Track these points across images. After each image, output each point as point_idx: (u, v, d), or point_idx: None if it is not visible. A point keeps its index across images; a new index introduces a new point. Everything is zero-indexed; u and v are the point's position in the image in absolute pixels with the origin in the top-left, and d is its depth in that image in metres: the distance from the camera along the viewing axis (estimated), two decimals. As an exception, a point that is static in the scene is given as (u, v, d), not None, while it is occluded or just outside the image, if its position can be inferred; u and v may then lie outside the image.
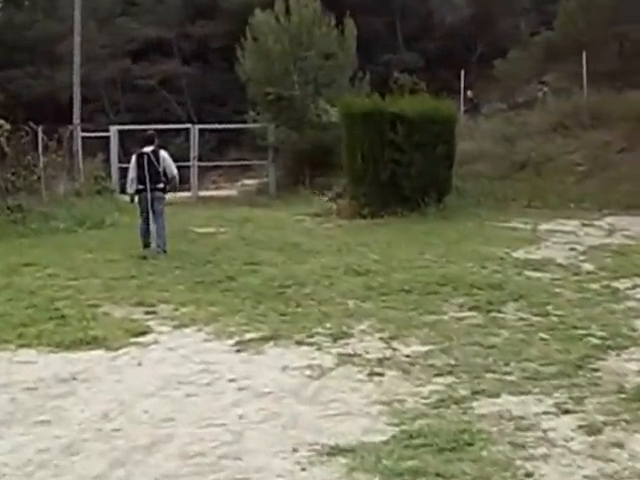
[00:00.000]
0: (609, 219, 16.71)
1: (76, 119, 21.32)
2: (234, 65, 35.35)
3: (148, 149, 12.70)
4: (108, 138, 24.11)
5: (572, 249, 12.63)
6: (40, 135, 18.48)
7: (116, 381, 6.20)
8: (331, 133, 23.04)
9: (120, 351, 7.06)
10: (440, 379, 5.92)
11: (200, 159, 32.49)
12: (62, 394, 5.93)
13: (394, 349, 6.83)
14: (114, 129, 23.36)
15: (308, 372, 6.21)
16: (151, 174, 12.54)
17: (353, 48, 23.78)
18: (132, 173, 12.76)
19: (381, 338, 7.25)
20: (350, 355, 6.65)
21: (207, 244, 14.01)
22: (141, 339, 7.49)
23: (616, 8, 28.71)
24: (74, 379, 6.25)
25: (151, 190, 12.60)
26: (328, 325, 7.82)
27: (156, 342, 7.39)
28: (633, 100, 21.29)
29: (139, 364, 6.64)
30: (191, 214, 18.47)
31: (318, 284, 10.09)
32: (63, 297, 9.45)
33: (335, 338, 7.28)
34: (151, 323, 8.16)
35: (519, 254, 12.32)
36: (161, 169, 12.62)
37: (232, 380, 6.11)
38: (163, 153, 12.89)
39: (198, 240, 14.63)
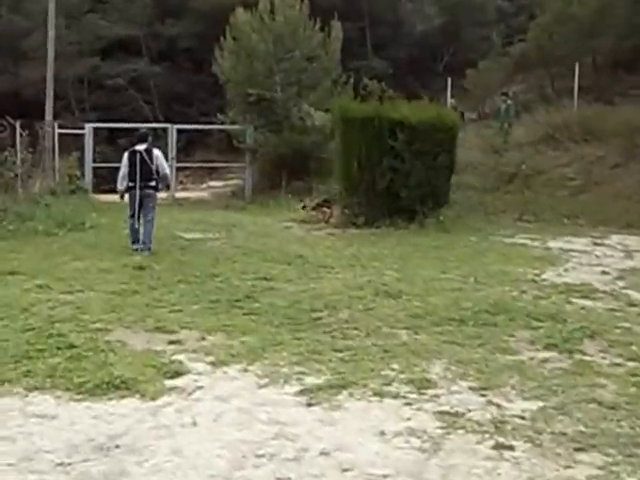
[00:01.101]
0: (615, 238, 15.98)
1: (48, 115, 19.86)
2: (202, 66, 34.33)
3: (141, 147, 12.54)
4: (81, 136, 22.67)
5: (604, 272, 11.77)
6: (18, 130, 17.01)
7: (173, 452, 4.91)
8: (312, 137, 22.09)
9: (159, 400, 5.85)
10: (585, 456, 4.84)
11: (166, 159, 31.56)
12: (108, 474, 4.64)
13: (497, 405, 5.77)
14: (89, 127, 21.94)
15: (416, 442, 5.07)
16: (143, 172, 12.37)
17: (338, 51, 22.77)
18: (123, 170, 12.55)
19: (471, 388, 6.19)
20: (452, 414, 5.57)
21: (203, 253, 12.88)
22: (179, 382, 6.30)
23: (593, 21, 28.29)
24: (117, 447, 4.99)
25: (142, 188, 12.42)
26: (396, 366, 6.76)
27: (199, 387, 6.20)
28: (626, 115, 20.68)
29: (194, 423, 5.41)
30: (171, 217, 17.23)
31: (352, 308, 9.04)
32: (64, 318, 8.21)
33: (418, 387, 6.19)
34: (181, 358, 6.98)
35: (549, 276, 11.45)
36: (154, 167, 12.47)
37: (324, 453, 4.90)
38: (156, 151, 12.74)
39: (190, 248, 13.48)
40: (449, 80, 26.18)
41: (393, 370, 6.73)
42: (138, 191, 12.41)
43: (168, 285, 10.07)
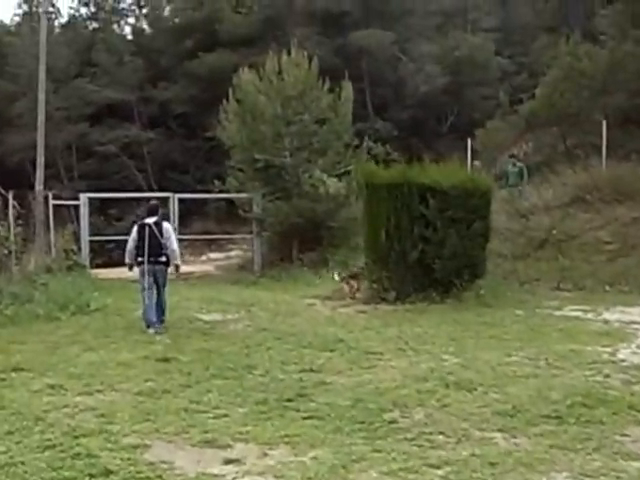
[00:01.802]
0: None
1: (39, 184, 18.46)
2: (197, 131, 33.22)
3: (151, 220, 12.06)
4: (72, 206, 21.30)
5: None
6: (11, 202, 15.58)
7: None
8: (325, 205, 20.84)
9: None
10: None
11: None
12: None
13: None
14: (84, 197, 20.54)
15: None
16: (151, 246, 11.87)
17: (349, 113, 21.64)
18: (131, 244, 12.12)
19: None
20: None
21: (228, 338, 11.45)
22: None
23: (604, 78, 27.49)
24: None
25: (152, 263, 11.92)
26: None
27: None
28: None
29: None
30: (180, 294, 15.80)
31: (425, 405, 7.62)
32: (88, 430, 6.73)
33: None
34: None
35: (626, 355, 10.13)
36: (163, 242, 11.95)
37: None
38: (166, 225, 12.30)
39: (212, 332, 12.05)
40: (469, 142, 25.01)
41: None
42: (147, 266, 11.91)
43: (201, 381, 8.61)
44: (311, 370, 9.16)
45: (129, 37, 35.55)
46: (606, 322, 12.93)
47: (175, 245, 12.18)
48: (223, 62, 28.87)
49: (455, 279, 15.19)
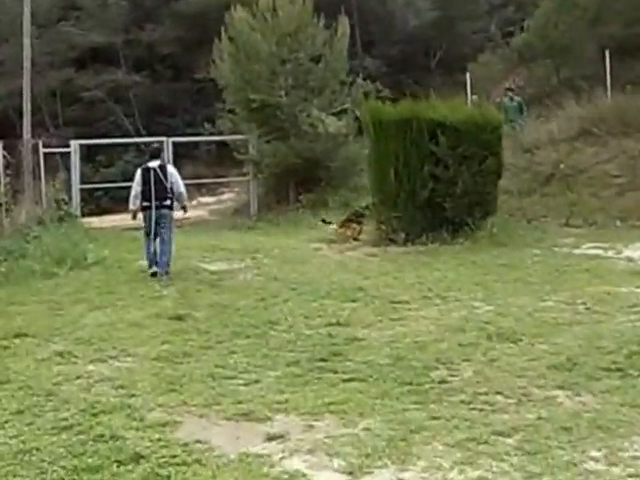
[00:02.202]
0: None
1: (27, 133, 17.53)
2: (185, 73, 32.05)
3: (154, 164, 11.78)
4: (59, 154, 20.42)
5: None
6: (0, 152, 14.70)
7: None
8: (322, 145, 20.05)
9: None
10: None
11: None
12: None
13: None
14: (75, 144, 19.62)
15: None
16: (157, 190, 11.57)
17: (345, 50, 20.71)
18: (136, 189, 11.80)
19: None
20: None
21: (240, 290, 10.79)
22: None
23: (599, 8, 26.61)
24: None
25: (157, 207, 11.60)
26: (596, 453, 4.92)
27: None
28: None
29: None
30: (178, 243, 14.89)
31: (472, 360, 7.02)
32: (107, 405, 6.05)
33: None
34: (298, 464, 4.90)
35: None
36: (169, 185, 11.66)
37: None
38: (171, 168, 12.06)
39: (222, 284, 11.38)
40: (468, 76, 24.12)
41: (597, 461, 4.74)
42: (154, 211, 11.57)
43: (223, 341, 7.97)
44: (338, 324, 8.53)
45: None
46: (630, 260, 12.40)
47: (182, 187, 11.95)
48: (210, 1, 27.68)
49: (467, 218, 14.55)
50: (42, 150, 19.33)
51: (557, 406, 5.83)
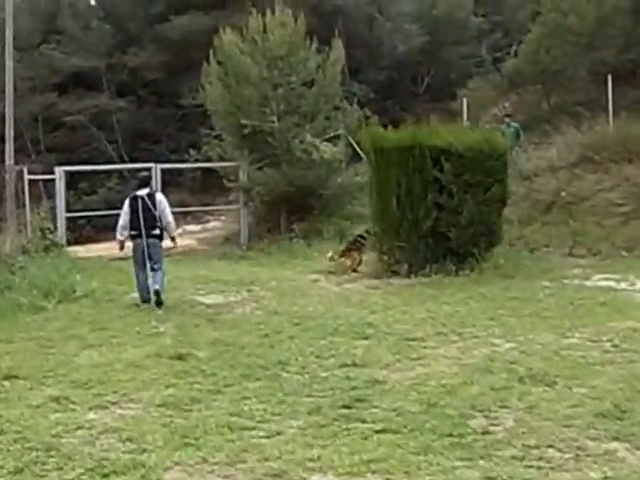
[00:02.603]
0: None
1: (9, 159, 16.84)
2: (169, 98, 31.37)
3: (143, 192, 11.62)
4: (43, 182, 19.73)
5: None
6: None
7: None
8: (316, 172, 19.51)
9: None
10: None
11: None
12: None
13: None
14: (60, 170, 18.94)
15: None
16: (146, 219, 11.35)
17: (338, 74, 20.23)
18: (124, 218, 11.56)
19: None
20: None
21: (241, 326, 10.19)
22: None
23: (593, 33, 26.39)
24: None
25: (147, 237, 11.35)
26: None
27: None
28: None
29: None
30: (169, 273, 14.31)
31: (509, 407, 6.47)
32: (117, 464, 5.36)
33: None
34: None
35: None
36: (157, 214, 11.44)
37: None
38: (159, 196, 11.77)
39: (220, 319, 10.78)
40: (464, 100, 23.73)
41: None
42: (143, 240, 11.35)
43: (232, 384, 7.33)
44: (354, 364, 7.92)
45: (94, 1, 33.51)
46: (649, 293, 11.88)
47: (170, 217, 11.66)
48: (196, 25, 27.20)
49: (472, 248, 14.02)
50: (27, 177, 18.63)
51: (620, 462, 5.26)
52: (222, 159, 21.32)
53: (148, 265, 11.45)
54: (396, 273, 14.12)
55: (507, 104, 28.56)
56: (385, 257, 14.30)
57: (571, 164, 18.59)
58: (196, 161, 23.17)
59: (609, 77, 19.87)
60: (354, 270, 15.11)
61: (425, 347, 8.71)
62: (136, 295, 12.13)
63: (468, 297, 11.91)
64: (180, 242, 21.39)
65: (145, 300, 11.45)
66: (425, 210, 13.93)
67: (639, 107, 22.03)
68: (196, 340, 9.27)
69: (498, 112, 27.75)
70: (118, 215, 11.92)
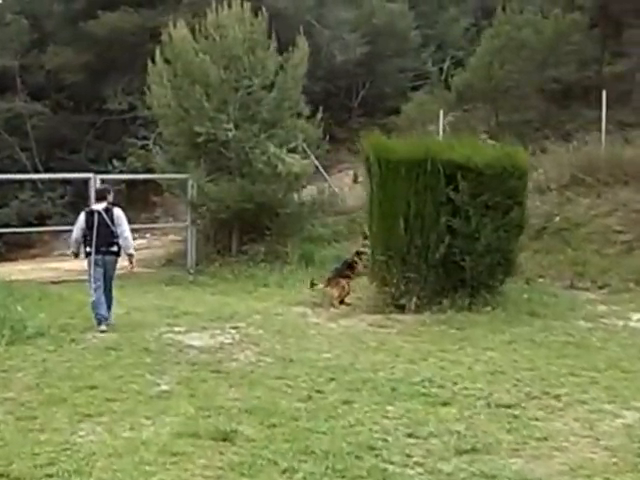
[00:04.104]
0: None
1: None
2: (91, 104, 28.46)
3: (99, 206, 10.94)
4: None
5: None
6: None
7: None
8: (277, 187, 17.36)
9: None
10: None
11: (50, 217, 25.51)
12: None
13: None
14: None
15: None
16: (101, 235, 10.67)
17: (301, 78, 18.12)
18: (78, 232, 10.91)
19: None
20: None
21: (261, 382, 8.03)
22: None
23: (549, 49, 25.32)
24: None
25: (103, 253, 10.72)
26: None
27: None
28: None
29: None
30: (120, 303, 12.03)
31: None
32: None
33: None
34: None
35: None
36: (115, 229, 10.76)
37: None
38: (117, 211, 10.98)
39: (224, 369, 8.59)
40: (441, 114, 21.96)
41: None
42: (100, 256, 10.70)
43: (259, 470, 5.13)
44: (473, 450, 5.85)
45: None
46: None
47: (128, 233, 10.92)
48: (125, 23, 24.61)
49: (487, 280, 12.16)
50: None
51: None
52: (149, 171, 18.93)
53: (103, 284, 10.77)
54: (399, 307, 12.11)
55: (451, 119, 27.21)
56: (387, 289, 12.23)
57: (562, 186, 17.01)
58: (120, 172, 20.65)
59: (603, 94, 18.34)
60: (342, 302, 13.03)
61: (534, 419, 6.74)
62: (100, 335, 10.01)
63: (510, 341, 10.11)
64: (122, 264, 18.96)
65: (100, 321, 10.54)
66: (437, 235, 11.96)
67: (594, 127, 20.89)
68: (220, 405, 7.03)
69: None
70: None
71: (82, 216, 10.90)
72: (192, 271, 17.52)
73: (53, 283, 15.57)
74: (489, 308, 11.86)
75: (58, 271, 17.38)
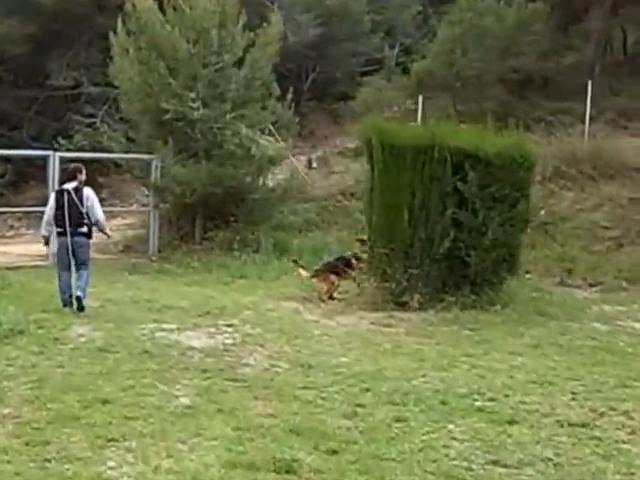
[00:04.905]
0: None
1: None
2: (34, 77, 26.67)
3: (69, 185, 10.58)
4: None
5: None
6: None
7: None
8: (247, 171, 16.36)
9: None
10: None
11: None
12: None
13: None
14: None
15: None
16: (72, 215, 10.36)
17: (274, 56, 17.07)
18: (48, 213, 10.66)
19: None
20: None
21: (289, 393, 7.11)
22: None
23: (511, 38, 24.87)
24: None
25: (72, 234, 10.38)
26: None
27: None
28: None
29: None
30: (92, 294, 10.99)
31: None
32: None
33: None
34: None
35: None
36: (84, 210, 10.41)
37: None
38: (87, 191, 10.61)
39: (239, 376, 7.64)
40: (420, 99, 21.15)
41: None
42: (69, 238, 10.34)
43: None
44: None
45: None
46: None
47: (99, 213, 10.58)
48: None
49: (491, 277, 11.44)
50: None
51: None
52: (95, 150, 17.73)
53: (73, 265, 10.46)
54: (399, 304, 11.29)
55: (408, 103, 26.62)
56: (387, 284, 11.38)
57: (545, 179, 16.40)
58: (67, 151, 19.28)
59: (589, 83, 17.77)
60: (331, 297, 12.18)
61: (620, 441, 6.00)
62: (83, 332, 9.01)
63: (535, 345, 9.46)
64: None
65: (66, 304, 10.36)
66: (442, 228, 11.16)
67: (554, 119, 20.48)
68: (259, 424, 6.11)
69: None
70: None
71: (52, 196, 10.69)
72: (154, 258, 16.38)
73: (8, 269, 14.25)
74: (498, 307, 11.15)
75: (10, 256, 16.03)
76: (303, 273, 12.60)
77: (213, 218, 17.17)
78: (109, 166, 22.69)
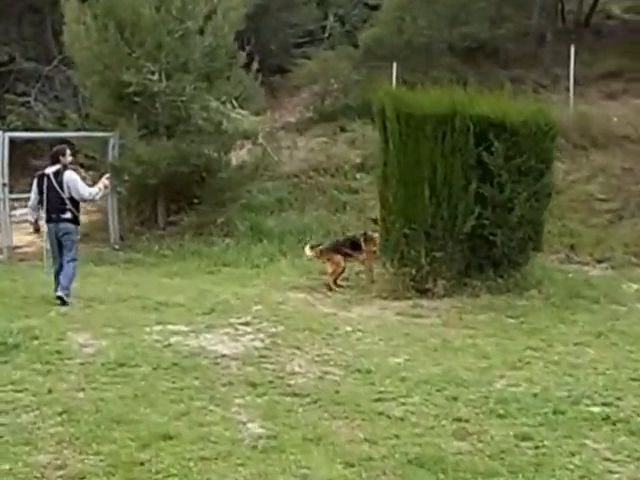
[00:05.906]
0: None
1: None
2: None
3: (50, 170, 9.82)
4: None
5: None
6: None
7: None
8: (214, 147, 15.04)
9: None
10: None
11: None
12: None
13: None
14: None
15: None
16: (51, 201, 9.70)
17: (238, 23, 15.70)
18: (32, 198, 10.02)
19: None
20: None
21: (365, 405, 6.04)
22: None
23: (462, 6, 24.08)
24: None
25: (54, 221, 9.74)
26: None
27: None
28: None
29: None
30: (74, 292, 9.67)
31: None
32: None
33: None
34: None
35: None
36: (65, 195, 9.67)
37: None
38: (68, 174, 9.80)
39: (295, 390, 6.48)
40: (394, 67, 19.96)
41: None
42: (53, 224, 9.79)
43: None
44: None
45: None
46: None
47: (83, 192, 9.74)
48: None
49: (517, 257, 10.46)
50: None
51: None
52: (27, 129, 16.10)
53: (57, 253, 9.82)
54: (421, 291, 10.20)
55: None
56: (406, 269, 10.26)
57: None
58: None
59: (572, 49, 16.90)
60: (335, 282, 11.06)
61: None
62: (84, 341, 7.77)
63: (597, 334, 8.57)
64: (21, 238, 16.00)
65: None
66: (466, 205, 10.10)
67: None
68: (366, 456, 4.97)
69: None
70: None
71: (35, 181, 9.96)
72: (117, 247, 14.89)
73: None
74: (532, 291, 10.16)
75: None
76: (307, 252, 11.47)
77: (176, 200, 15.77)
78: (44, 148, 20.95)
